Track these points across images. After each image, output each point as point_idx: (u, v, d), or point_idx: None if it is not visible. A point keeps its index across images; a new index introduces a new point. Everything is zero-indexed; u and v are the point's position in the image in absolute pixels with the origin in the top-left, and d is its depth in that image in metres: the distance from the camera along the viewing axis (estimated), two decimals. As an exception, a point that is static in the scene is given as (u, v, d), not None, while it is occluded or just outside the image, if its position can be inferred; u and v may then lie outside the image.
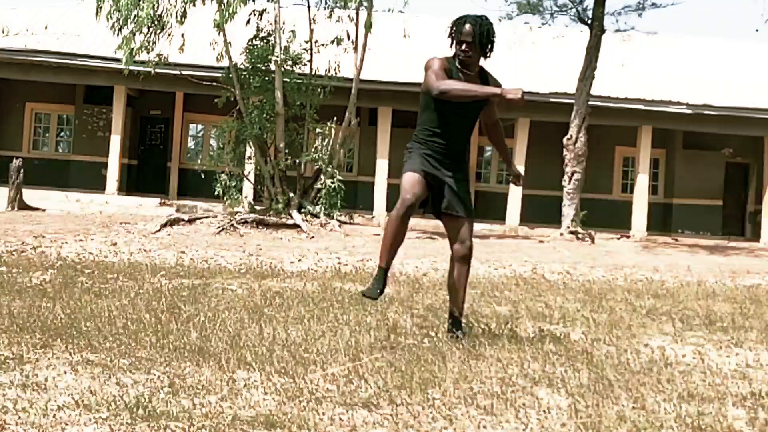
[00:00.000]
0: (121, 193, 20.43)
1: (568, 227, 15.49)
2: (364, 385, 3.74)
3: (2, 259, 8.97)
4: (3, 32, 19.13)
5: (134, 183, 21.95)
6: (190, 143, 22.92)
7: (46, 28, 20.98)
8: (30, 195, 16.22)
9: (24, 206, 15.46)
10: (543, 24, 17.43)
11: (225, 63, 15.25)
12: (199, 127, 22.73)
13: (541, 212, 21.74)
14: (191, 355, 4.23)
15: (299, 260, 10.42)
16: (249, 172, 15.43)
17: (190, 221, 12.47)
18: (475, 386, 3.82)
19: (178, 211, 17.82)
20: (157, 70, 14.63)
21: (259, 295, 6.75)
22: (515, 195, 20.72)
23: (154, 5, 12.55)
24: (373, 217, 18.89)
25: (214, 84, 15.42)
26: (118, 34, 12.79)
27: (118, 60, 18.61)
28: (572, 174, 15.72)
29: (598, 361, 4.45)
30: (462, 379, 3.92)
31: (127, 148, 21.36)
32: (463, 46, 4.82)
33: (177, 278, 8.05)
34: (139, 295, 6.50)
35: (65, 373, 3.81)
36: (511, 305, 6.82)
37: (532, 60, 22.69)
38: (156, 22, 12.86)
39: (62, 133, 22.72)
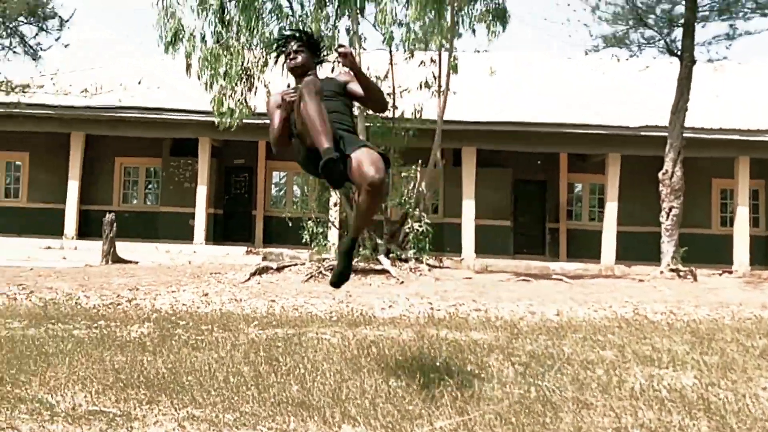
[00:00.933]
0: (209, 242, 20.90)
1: (669, 264, 15.06)
2: (475, 439, 3.68)
3: (99, 312, 9.26)
4: (96, 90, 20.01)
5: (221, 232, 22.45)
6: (274, 191, 23.35)
7: (139, 82, 21.88)
8: (121, 247, 16.75)
9: (117, 259, 15.98)
10: (630, 56, 17.18)
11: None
12: (282, 174, 23.16)
13: (637, 249, 21.24)
14: (294, 409, 4.24)
15: (390, 306, 10.41)
16: (334, 219, 15.59)
17: (279, 269, 12.63)
18: (590, 438, 3.72)
19: (264, 259, 18.11)
20: (243, 120, 15.00)
21: (354, 344, 6.75)
22: (610, 232, 20.32)
23: (242, 61, 12.94)
24: (462, 260, 18.79)
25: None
26: (209, 90, 13.22)
27: (203, 112, 19.28)
28: (670, 209, 15.33)
29: (717, 408, 4.28)
30: (576, 431, 3.82)
31: (213, 198, 21.90)
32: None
33: (270, 328, 8.14)
34: (236, 347, 6.58)
35: (173, 430, 3.87)
36: (617, 349, 6.64)
37: (620, 92, 22.41)
38: (244, 75, 13.25)
39: (150, 186, 23.47)
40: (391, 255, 13.38)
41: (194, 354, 6.22)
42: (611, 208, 20.36)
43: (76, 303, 10.40)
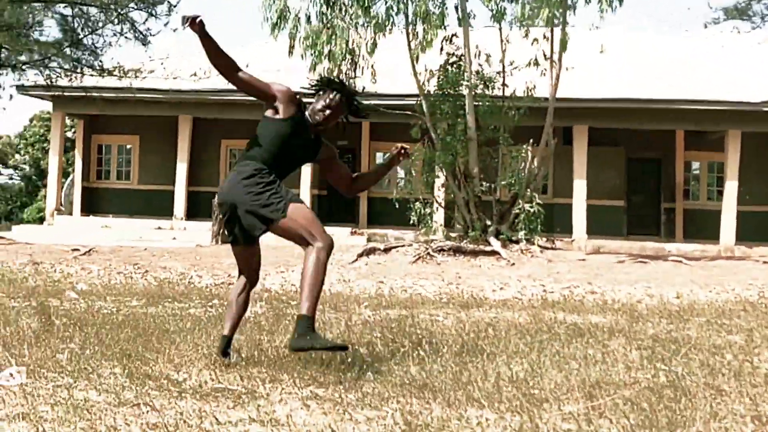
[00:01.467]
0: (315, 223, 21.16)
1: (795, 245, 14.40)
2: (607, 425, 3.60)
3: (212, 292, 9.54)
4: (204, 74, 20.49)
5: (325, 213, 22.73)
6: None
7: (247, 65, 22.27)
8: (228, 229, 17.18)
9: (226, 240, 16.39)
10: (753, 28, 16.43)
11: (413, 90, 15.53)
12: (385, 155, 23.24)
13: (759, 230, 20.40)
14: (417, 391, 4.25)
15: (501, 288, 10.34)
16: (441, 199, 15.56)
17: (386, 250, 12.70)
18: (728, 425, 3.59)
19: (369, 240, 18.27)
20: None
21: (469, 326, 6.73)
22: (729, 212, 19.57)
23: (346, 41, 13.00)
24: (573, 241, 18.47)
25: (402, 112, 15.73)
26: (312, 71, 13.34)
27: (306, 95, 19.47)
28: (796, 187, 14.64)
29: None
30: (713, 418, 3.69)
31: (317, 179, 22.18)
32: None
33: (381, 309, 8.21)
34: (349, 327, 6.66)
35: (299, 408, 3.93)
36: (745, 334, 6.40)
37: (736, 68, 21.50)
38: (349, 56, 13.32)
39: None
40: (501, 236, 13.26)
41: (309, 334, 6.32)
42: (731, 187, 19.60)
43: (189, 282, 10.75)
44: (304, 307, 4.46)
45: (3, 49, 17.54)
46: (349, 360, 5.13)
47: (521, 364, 4.98)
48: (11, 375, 4.36)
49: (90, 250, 13.85)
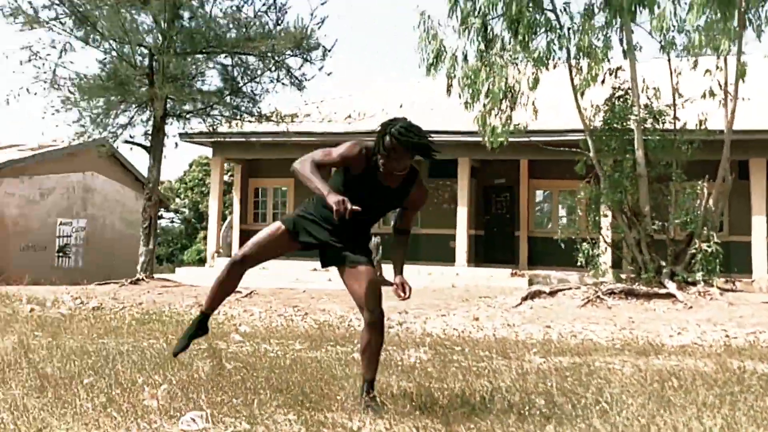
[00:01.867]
0: (470, 264, 21.05)
1: None
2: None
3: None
4: (359, 116, 20.95)
5: (482, 253, 22.54)
6: (537, 210, 23.09)
7: (401, 106, 22.66)
8: (383, 270, 17.27)
9: (384, 282, 16.46)
10: None
11: (575, 125, 15.19)
12: (546, 193, 22.85)
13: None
14: (607, 447, 4.01)
15: (679, 333, 9.82)
16: (608, 239, 15.07)
17: (552, 293, 12.38)
18: None
19: (531, 282, 17.90)
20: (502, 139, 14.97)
21: (649, 375, 6.38)
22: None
23: (505, 78, 12.92)
24: (752, 281, 17.43)
25: (563, 149, 15.44)
26: (470, 109, 13.32)
27: (462, 132, 19.52)
28: None
29: None
30: None
31: (473, 218, 22.06)
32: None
33: (552, 356, 7.94)
34: (521, 375, 6.46)
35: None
36: None
37: None
38: (508, 93, 13.22)
39: (411, 209, 24.13)
40: (676, 278, 12.65)
41: (479, 382, 6.17)
42: None
43: (348, 325, 10.81)
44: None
45: (169, 100, 18.56)
46: (527, 410, 4.95)
47: (713, 418, 4.64)
48: (192, 420, 4.45)
49: (251, 293, 14.25)
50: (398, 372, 6.55)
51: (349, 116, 21.46)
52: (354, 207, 4.46)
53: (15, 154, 25.56)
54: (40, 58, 17.74)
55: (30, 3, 17.35)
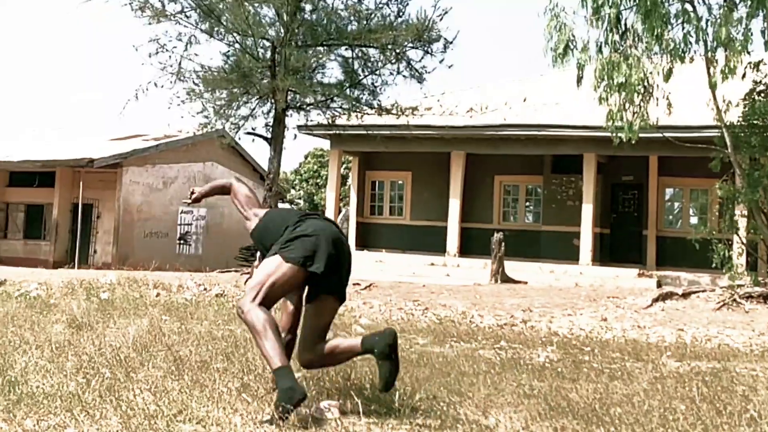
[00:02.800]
0: (595, 263, 20.63)
1: None
2: None
3: (497, 333, 9.48)
4: (481, 109, 20.81)
5: (607, 252, 22.05)
6: (667, 209, 22.41)
7: (524, 100, 22.43)
8: (505, 267, 17.16)
9: (506, 279, 16.40)
10: None
11: (708, 121, 14.64)
12: (676, 191, 22.16)
13: None
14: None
15: (825, 342, 9.34)
16: (744, 240, 14.48)
17: (684, 295, 11.99)
18: None
19: (660, 283, 17.40)
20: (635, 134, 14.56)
21: (799, 385, 6.09)
22: None
23: (644, 69, 12.54)
24: None
25: (697, 145, 14.92)
26: (603, 102, 13.00)
27: (588, 127, 19.13)
28: None
29: None
30: None
31: (599, 216, 21.60)
32: None
33: (687, 360, 7.69)
34: (659, 379, 6.28)
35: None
36: None
37: None
38: (642, 86, 12.83)
39: (530, 204, 23.85)
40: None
41: (613, 384, 6.03)
42: None
43: (470, 321, 10.77)
44: None
45: (290, 92, 18.88)
46: (670, 417, 4.80)
47: None
48: (326, 408, 4.51)
49: (370, 285, 14.40)
50: (528, 371, 6.47)
51: (471, 109, 21.33)
52: None
53: (139, 144, 26.65)
54: (167, 50, 18.36)
55: (157, -4, 18.00)
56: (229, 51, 19.12)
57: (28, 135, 31.70)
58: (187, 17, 18.34)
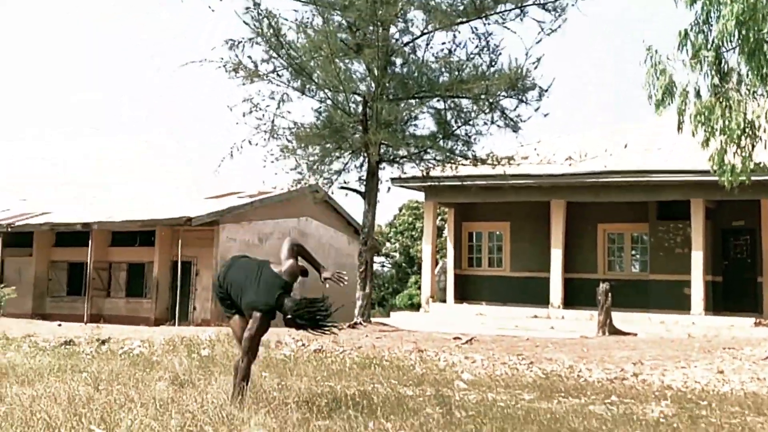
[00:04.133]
0: (707, 312, 19.99)
1: None
2: None
3: (606, 387, 9.22)
4: (580, 157, 20.60)
5: (720, 301, 21.31)
6: (780, 254, 21.57)
7: (625, 146, 22.12)
8: (612, 318, 16.76)
9: (614, 330, 16.04)
10: None
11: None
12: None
13: None
14: None
15: None
16: None
17: (807, 346, 11.45)
18: None
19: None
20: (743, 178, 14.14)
21: None
22: None
23: (744, 113, 12.24)
24: None
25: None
26: (705, 147, 12.73)
27: (695, 172, 18.70)
28: None
29: None
30: None
31: (710, 263, 20.96)
32: None
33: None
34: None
35: None
36: None
37: None
38: (748, 129, 12.49)
39: (636, 252, 23.33)
40: None
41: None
42: None
43: (578, 375, 10.52)
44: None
45: (382, 145, 19.07)
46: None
47: None
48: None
49: (471, 339, 14.25)
50: (642, 427, 6.26)
51: (570, 157, 21.12)
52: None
53: (235, 201, 27.30)
54: (260, 109, 18.82)
55: (250, 58, 18.52)
56: (320, 107, 19.52)
57: (125, 193, 32.91)
58: (279, 76, 18.83)
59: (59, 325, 19.83)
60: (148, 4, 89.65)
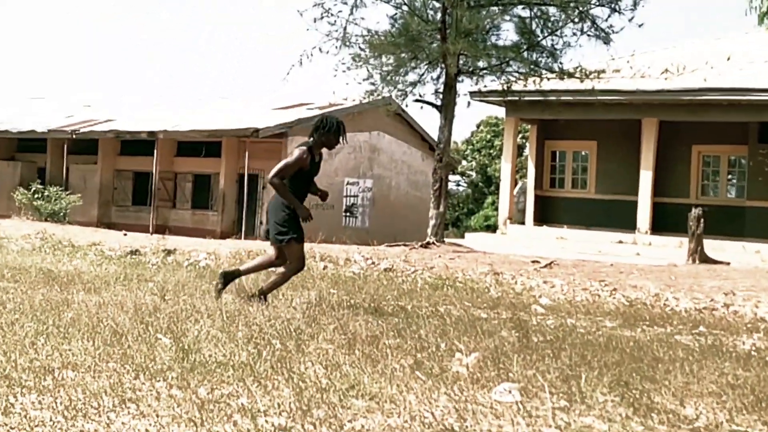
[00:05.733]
0: (809, 242, 19.60)
1: None
2: None
3: (694, 317, 9.14)
4: (677, 70, 20.01)
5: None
6: None
7: (728, 59, 21.41)
8: (704, 246, 16.50)
9: (705, 259, 15.81)
10: None
11: None
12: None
13: None
14: None
15: None
16: None
17: None
18: None
19: None
20: None
21: None
22: None
23: None
24: None
25: None
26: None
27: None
28: None
29: None
30: None
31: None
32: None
33: None
34: None
35: None
36: None
37: None
38: None
39: (733, 177, 22.79)
40: None
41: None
42: None
43: (664, 304, 10.44)
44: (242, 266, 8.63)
45: (461, 56, 18.78)
46: None
47: None
48: (507, 391, 4.49)
49: (551, 263, 14.21)
50: (731, 359, 6.19)
51: (666, 71, 20.51)
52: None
53: (304, 112, 27.41)
54: (332, 14, 18.65)
55: (322, -41, 18.32)
56: (396, 14, 19.26)
57: (191, 103, 33.25)
58: (354, -21, 18.59)
59: (125, 234, 20.42)
60: (148, 4, 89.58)
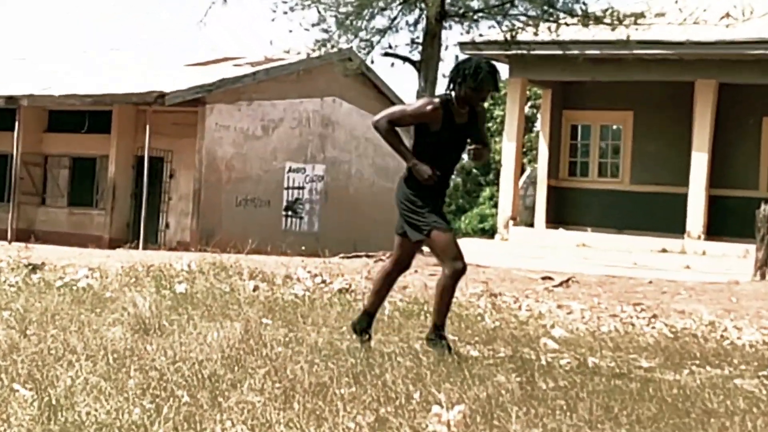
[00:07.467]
0: None
1: None
2: None
3: (760, 354, 9.30)
4: (743, 14, 20.25)
5: None
6: None
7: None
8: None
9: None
10: None
11: None
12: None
13: None
14: None
15: None
16: None
17: None
18: None
19: None
20: None
21: None
22: None
23: None
24: None
25: None
26: None
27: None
28: None
29: None
30: None
31: None
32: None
33: None
34: None
35: None
36: None
37: None
38: None
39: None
40: None
41: None
42: None
43: (722, 336, 10.60)
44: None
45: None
46: None
47: None
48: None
49: (568, 280, 14.33)
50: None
51: (728, 15, 20.75)
52: (436, 172, 7.58)
53: (230, 71, 27.23)
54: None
55: None
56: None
57: (70, 57, 33.00)
58: None
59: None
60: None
